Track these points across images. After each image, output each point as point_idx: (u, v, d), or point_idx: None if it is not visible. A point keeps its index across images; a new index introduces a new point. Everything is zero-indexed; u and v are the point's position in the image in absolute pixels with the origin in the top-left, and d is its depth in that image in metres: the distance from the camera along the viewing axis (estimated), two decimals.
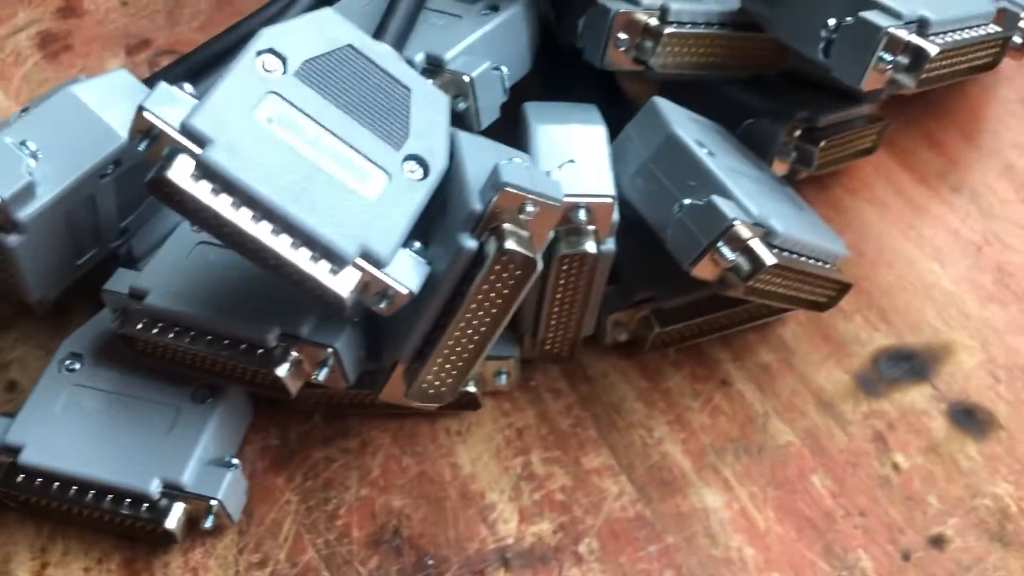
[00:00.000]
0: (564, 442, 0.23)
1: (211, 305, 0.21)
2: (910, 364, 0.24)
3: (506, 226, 0.18)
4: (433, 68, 0.22)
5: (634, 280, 0.23)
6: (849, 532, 0.22)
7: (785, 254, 0.20)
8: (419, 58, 0.22)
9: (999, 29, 0.22)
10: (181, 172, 0.18)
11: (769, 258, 0.19)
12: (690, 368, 0.24)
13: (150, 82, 0.25)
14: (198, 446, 0.21)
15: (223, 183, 0.18)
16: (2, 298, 0.23)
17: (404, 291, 0.19)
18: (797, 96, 0.24)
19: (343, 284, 0.18)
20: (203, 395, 0.22)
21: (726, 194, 0.19)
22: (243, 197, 0.18)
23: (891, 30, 0.20)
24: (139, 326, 0.21)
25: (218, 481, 0.21)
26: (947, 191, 0.28)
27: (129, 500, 0.21)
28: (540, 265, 0.19)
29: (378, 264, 0.18)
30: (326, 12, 0.20)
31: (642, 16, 0.22)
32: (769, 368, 0.24)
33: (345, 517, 0.22)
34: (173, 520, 0.21)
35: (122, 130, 0.21)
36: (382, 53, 0.20)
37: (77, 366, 0.23)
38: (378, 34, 0.21)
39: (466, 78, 0.21)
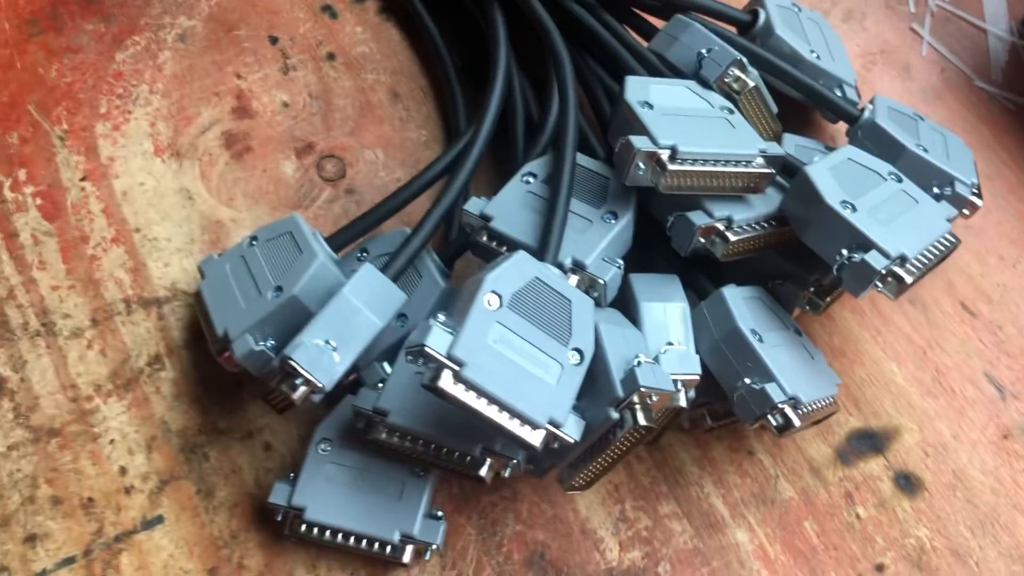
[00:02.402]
0: (646, 494, 0.35)
1: (435, 424, 0.32)
2: (871, 442, 0.36)
3: (637, 406, 0.30)
4: (577, 268, 0.32)
5: (696, 390, 0.35)
6: (826, 560, 0.34)
7: (806, 411, 0.31)
8: (568, 261, 0.32)
9: (954, 239, 0.33)
10: (447, 382, 0.28)
11: (796, 422, 0.31)
12: (728, 442, 0.36)
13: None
14: (421, 508, 0.33)
15: (472, 387, 0.28)
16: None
17: (571, 440, 0.30)
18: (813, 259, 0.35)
19: (536, 439, 0.29)
20: (420, 471, 0.33)
21: (772, 379, 0.31)
22: (482, 394, 0.29)
23: (883, 270, 0.31)
24: (383, 435, 0.32)
25: (435, 531, 0.33)
26: (907, 303, 0.39)
27: (378, 544, 0.33)
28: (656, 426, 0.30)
29: (557, 426, 0.30)
30: (521, 255, 0.30)
31: (718, 226, 0.33)
32: (779, 442, 0.36)
33: (508, 545, 0.34)
34: (407, 557, 0.33)
35: (377, 318, 0.31)
36: (552, 276, 0.31)
37: (328, 448, 0.34)
38: (542, 250, 0.32)
39: (601, 281, 0.32)
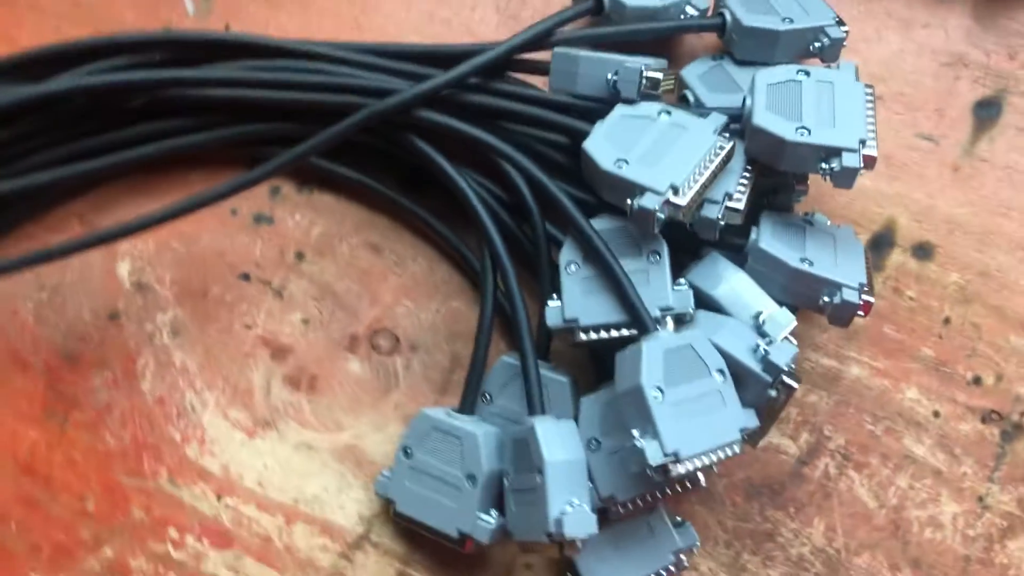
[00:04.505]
0: None
1: (651, 481, 0.40)
2: (883, 240, 0.46)
3: (787, 379, 0.38)
4: (665, 312, 0.39)
5: None
6: (913, 343, 0.45)
7: (868, 287, 0.40)
8: (657, 313, 0.39)
9: (871, 90, 0.41)
10: (677, 470, 0.36)
11: (873, 300, 0.40)
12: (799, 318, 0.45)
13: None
14: (670, 526, 0.42)
15: (690, 460, 0.36)
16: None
17: (755, 428, 0.39)
18: None
19: (739, 448, 0.38)
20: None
21: (841, 286, 0.39)
22: (698, 457, 0.36)
23: (860, 163, 0.39)
24: (621, 511, 0.40)
25: (689, 533, 0.42)
26: None
27: (663, 570, 0.42)
28: None
29: (746, 430, 0.38)
30: (648, 345, 0.37)
31: (725, 204, 0.40)
32: None
33: (728, 497, 0.44)
34: (686, 563, 0.42)
35: (578, 456, 0.38)
36: (670, 339, 0.37)
37: None
38: (638, 322, 0.38)
39: (689, 311, 0.39)
